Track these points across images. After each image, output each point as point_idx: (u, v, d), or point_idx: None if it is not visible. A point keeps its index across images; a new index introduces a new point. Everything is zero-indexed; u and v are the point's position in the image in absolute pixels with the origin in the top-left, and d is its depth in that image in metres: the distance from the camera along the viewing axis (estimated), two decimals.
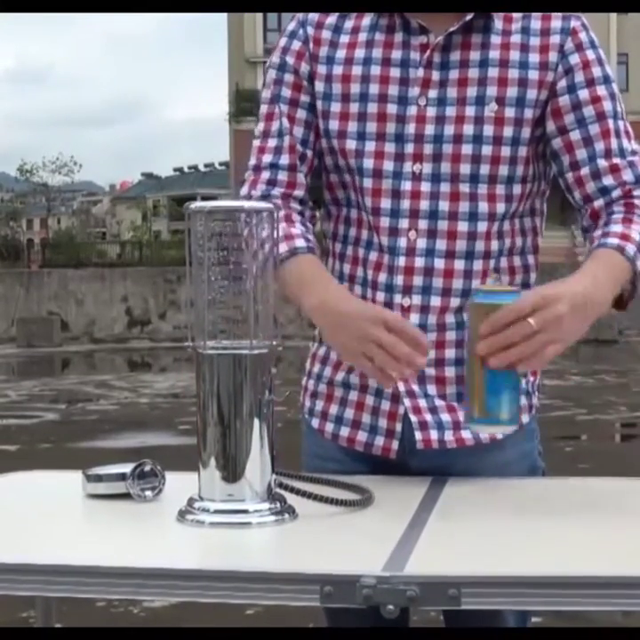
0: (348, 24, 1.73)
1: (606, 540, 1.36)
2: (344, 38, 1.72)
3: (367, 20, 1.72)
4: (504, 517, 1.49)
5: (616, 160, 1.67)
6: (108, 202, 75.91)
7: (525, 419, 1.72)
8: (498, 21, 1.67)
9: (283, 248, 1.61)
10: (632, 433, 9.28)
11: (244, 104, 34.70)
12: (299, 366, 1.70)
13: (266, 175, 1.74)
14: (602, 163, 1.67)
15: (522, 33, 1.67)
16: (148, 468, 1.56)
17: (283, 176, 1.73)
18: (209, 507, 1.42)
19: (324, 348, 1.77)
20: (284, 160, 1.73)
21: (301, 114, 1.74)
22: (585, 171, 1.68)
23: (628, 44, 36.97)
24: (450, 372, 1.68)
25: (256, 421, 1.42)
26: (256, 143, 1.76)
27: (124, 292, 20.22)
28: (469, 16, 1.65)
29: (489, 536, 1.39)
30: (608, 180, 1.67)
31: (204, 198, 1.53)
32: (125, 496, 1.54)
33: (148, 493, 1.55)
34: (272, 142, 1.74)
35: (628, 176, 1.67)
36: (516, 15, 1.68)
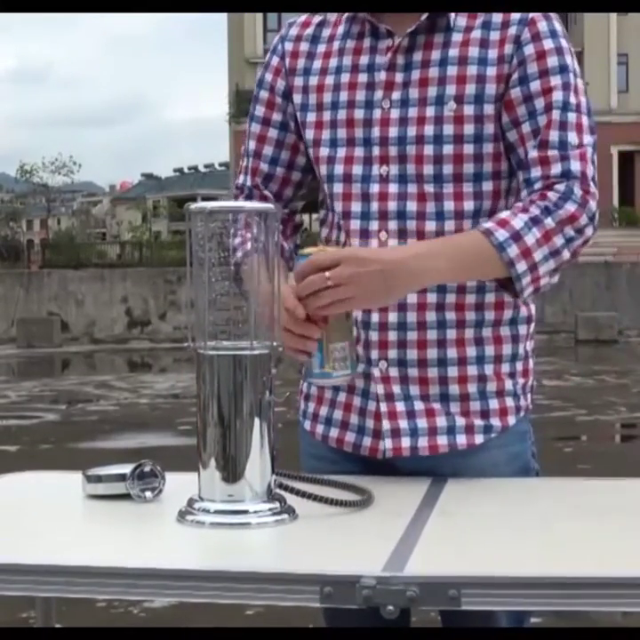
0: (326, 33, 1.76)
1: (606, 540, 1.36)
2: (320, 48, 1.76)
3: (341, 28, 1.74)
4: (504, 517, 1.49)
5: (550, 152, 1.62)
6: (107, 202, 75.91)
7: (511, 420, 1.71)
8: (461, 18, 1.66)
9: (239, 254, 1.59)
10: (632, 433, 9.28)
11: (243, 104, 34.67)
12: (299, 367, 1.70)
13: (245, 192, 1.84)
14: (533, 154, 1.63)
15: (482, 28, 1.66)
16: (147, 468, 1.56)
17: (255, 194, 1.82)
18: (209, 507, 1.43)
19: None
20: (248, 182, 1.83)
21: (272, 133, 1.79)
22: (523, 164, 1.65)
23: (628, 44, 36.96)
24: (432, 372, 1.68)
25: (256, 422, 1.43)
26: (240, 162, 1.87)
27: (123, 293, 20.22)
28: (425, 15, 1.65)
29: (489, 536, 1.39)
30: (535, 172, 1.63)
31: (204, 199, 1.54)
32: (125, 496, 1.54)
33: (148, 494, 1.55)
34: (243, 162, 1.85)
35: (555, 169, 1.61)
36: None
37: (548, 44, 1.64)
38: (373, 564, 1.22)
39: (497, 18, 1.65)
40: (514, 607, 1.22)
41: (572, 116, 1.63)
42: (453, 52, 1.65)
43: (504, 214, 1.59)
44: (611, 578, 1.17)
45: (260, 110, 1.80)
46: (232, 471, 1.42)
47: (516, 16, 1.64)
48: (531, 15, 1.64)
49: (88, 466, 1.62)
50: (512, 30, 1.64)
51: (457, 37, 1.66)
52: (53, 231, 47.65)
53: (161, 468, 1.58)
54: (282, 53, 1.78)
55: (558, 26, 1.67)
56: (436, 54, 1.66)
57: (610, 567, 1.21)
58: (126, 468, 1.56)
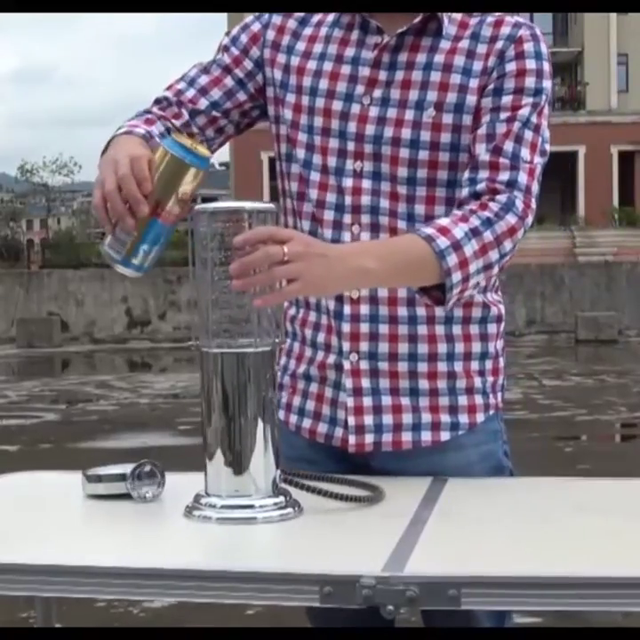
0: (315, 17, 1.75)
1: (606, 540, 1.36)
2: (307, 30, 1.75)
3: (331, 15, 1.74)
4: (504, 517, 1.49)
5: (502, 159, 1.62)
6: None
7: (480, 418, 1.72)
8: (452, 26, 1.67)
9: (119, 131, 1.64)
10: (632, 433, 9.27)
11: None
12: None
13: (161, 104, 1.77)
14: (484, 157, 1.62)
15: (471, 39, 1.66)
16: (147, 468, 1.56)
17: (170, 109, 1.76)
18: (215, 502, 1.44)
19: (290, 340, 1.80)
20: (172, 99, 1.76)
21: (228, 81, 1.76)
22: (471, 164, 1.64)
23: (628, 44, 36.93)
24: (403, 367, 1.69)
25: (260, 418, 1.44)
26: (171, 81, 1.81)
27: (123, 293, 20.20)
28: (418, 18, 1.65)
29: (489, 536, 1.39)
30: (481, 174, 1.62)
31: (205, 199, 1.54)
32: (125, 496, 1.55)
33: (148, 494, 1.55)
34: (179, 85, 1.78)
35: (502, 176, 1.61)
36: (471, 21, 1.67)
37: (530, 64, 1.65)
38: (373, 563, 1.22)
39: (486, 31, 1.66)
40: (514, 607, 1.23)
41: (529, 134, 1.64)
42: (439, 58, 1.66)
43: (444, 222, 1.57)
44: (611, 578, 1.17)
45: (225, 59, 1.77)
46: (237, 467, 1.44)
47: (505, 32, 1.65)
48: (519, 33, 1.65)
49: (88, 466, 1.62)
50: (499, 45, 1.65)
51: (445, 45, 1.66)
52: (53, 231, 47.63)
53: (161, 467, 1.58)
54: (266, 23, 1.77)
55: (544, 48, 1.67)
56: (421, 57, 1.66)
57: (610, 567, 1.22)
58: (126, 468, 1.56)
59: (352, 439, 1.69)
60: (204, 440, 1.45)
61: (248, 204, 1.45)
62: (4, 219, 45.96)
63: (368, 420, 1.69)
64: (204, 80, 1.77)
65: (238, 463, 1.44)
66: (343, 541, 1.37)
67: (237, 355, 1.44)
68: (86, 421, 9.68)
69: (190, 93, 1.76)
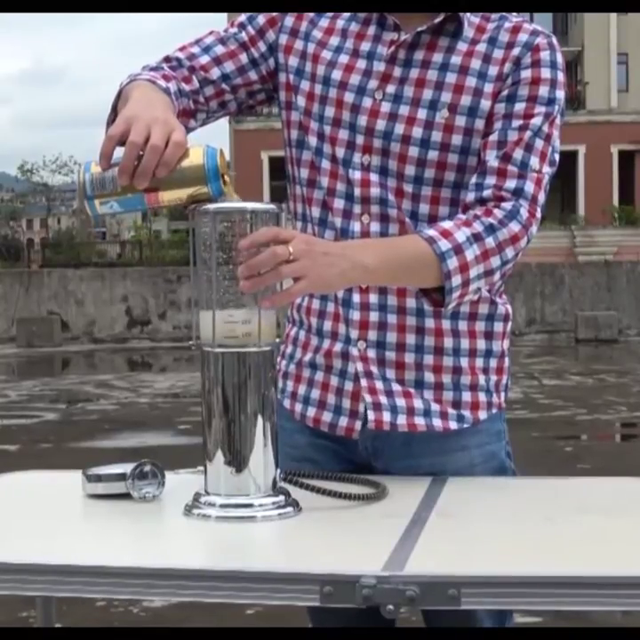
0: None
1: (606, 540, 1.36)
2: (323, 22, 1.75)
3: None
4: (504, 517, 1.49)
5: (510, 167, 1.62)
6: None
7: (482, 415, 1.73)
8: (469, 29, 1.67)
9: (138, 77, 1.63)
10: (632, 433, 9.26)
11: None
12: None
13: (171, 63, 1.74)
14: (493, 163, 1.63)
15: (488, 43, 1.66)
16: (147, 467, 1.56)
17: (180, 71, 1.73)
18: (215, 501, 1.44)
19: (296, 328, 1.80)
20: (185, 63, 1.73)
21: (243, 58, 1.75)
22: (480, 169, 1.65)
23: (628, 44, 36.91)
24: (409, 358, 1.69)
25: (261, 417, 1.45)
26: (184, 44, 1.78)
27: (123, 292, 20.20)
28: (439, 18, 1.65)
29: (489, 536, 1.39)
30: (489, 180, 1.63)
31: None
32: (126, 496, 1.55)
33: (148, 493, 1.55)
34: (193, 49, 1.75)
35: (509, 183, 1.62)
36: (489, 26, 1.67)
37: (545, 73, 1.65)
38: (373, 563, 1.22)
39: (504, 37, 1.66)
40: (514, 607, 1.23)
41: (539, 143, 1.64)
42: (455, 60, 1.66)
43: (446, 225, 1.58)
44: (611, 577, 1.17)
45: (243, 36, 1.76)
46: (237, 466, 1.44)
47: (522, 38, 1.66)
48: (536, 41, 1.66)
49: (88, 465, 1.62)
50: (515, 51, 1.65)
51: (462, 46, 1.67)
52: (53, 230, 47.63)
53: (161, 467, 1.58)
54: None
55: (560, 57, 1.68)
56: (437, 57, 1.67)
57: (610, 567, 1.22)
58: (126, 468, 1.56)
59: (371, 415, 1.68)
60: (204, 439, 1.45)
61: (249, 205, 1.46)
62: (4, 218, 46.01)
63: (383, 399, 1.69)
64: (219, 50, 1.75)
65: (238, 462, 1.44)
66: (343, 541, 1.37)
67: (238, 354, 1.44)
68: (86, 421, 9.68)
69: (204, 59, 1.74)
